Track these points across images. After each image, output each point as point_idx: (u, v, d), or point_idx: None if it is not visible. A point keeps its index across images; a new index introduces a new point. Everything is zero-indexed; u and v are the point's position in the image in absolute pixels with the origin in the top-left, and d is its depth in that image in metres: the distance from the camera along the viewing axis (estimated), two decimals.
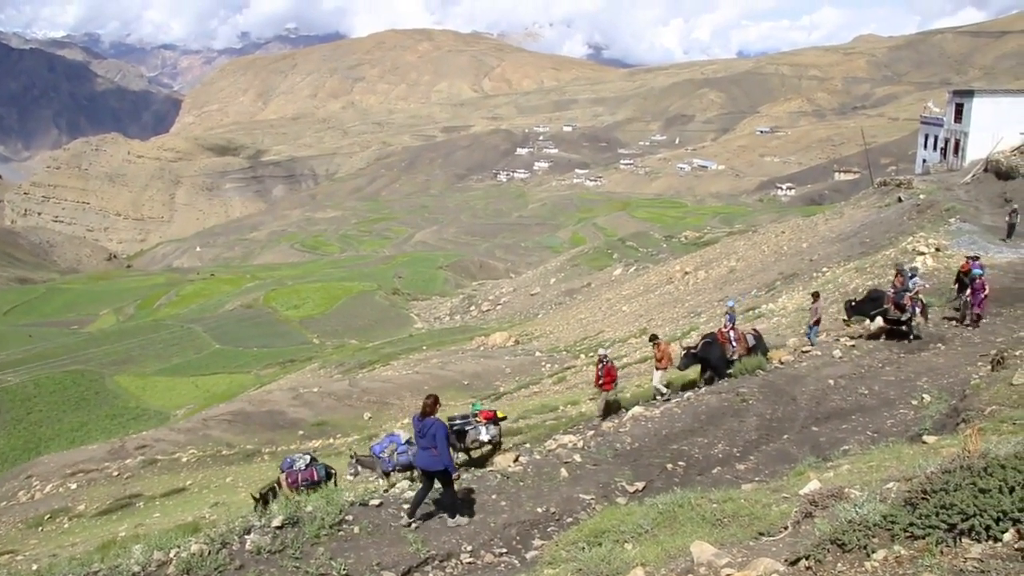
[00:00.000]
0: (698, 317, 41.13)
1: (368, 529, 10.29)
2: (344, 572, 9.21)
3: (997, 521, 4.69)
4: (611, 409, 18.74)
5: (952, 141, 55.66)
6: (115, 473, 32.82)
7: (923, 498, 5.15)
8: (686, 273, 58.58)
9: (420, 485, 11.42)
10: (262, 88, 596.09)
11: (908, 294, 19.59)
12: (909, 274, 20.71)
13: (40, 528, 26.01)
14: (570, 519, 11.32)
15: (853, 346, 19.71)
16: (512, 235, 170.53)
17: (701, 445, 14.40)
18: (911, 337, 19.57)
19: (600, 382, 18.85)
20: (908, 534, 4.96)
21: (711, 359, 18.58)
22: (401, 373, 47.76)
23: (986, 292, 20.49)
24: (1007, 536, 4.59)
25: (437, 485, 11.18)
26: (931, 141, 60.29)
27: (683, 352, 18.91)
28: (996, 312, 22.00)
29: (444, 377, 43.28)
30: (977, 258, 22.64)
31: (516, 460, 13.57)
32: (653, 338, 19.85)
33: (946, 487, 5.11)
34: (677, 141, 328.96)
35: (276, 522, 9.92)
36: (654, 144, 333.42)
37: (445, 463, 10.81)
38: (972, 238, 33.72)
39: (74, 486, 32.01)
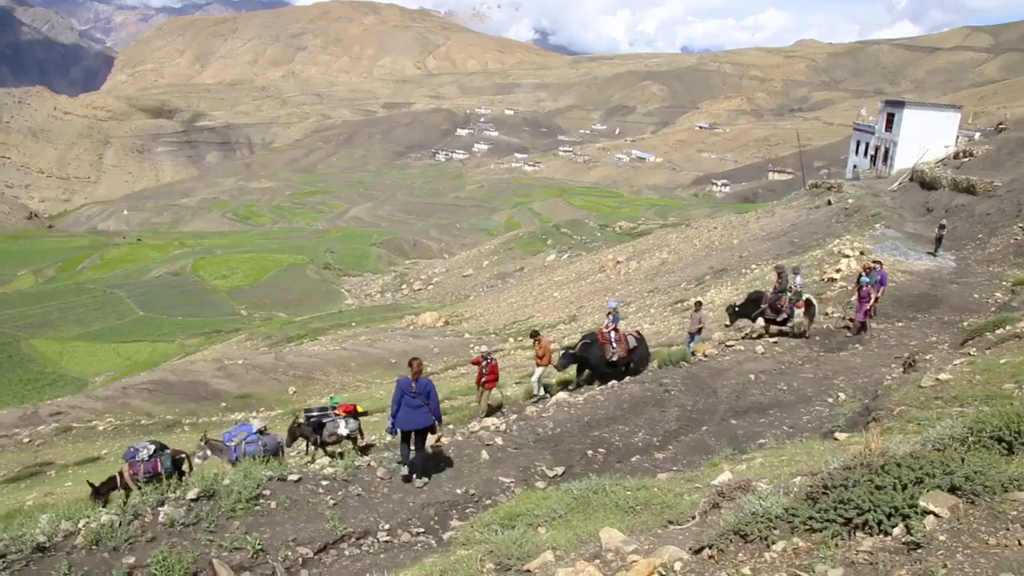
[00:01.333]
0: (628, 306, 41.65)
1: (285, 504, 10.22)
2: (259, 547, 9.13)
3: (888, 516, 4.89)
4: (494, 409, 18.42)
5: (882, 149, 57.32)
6: (26, 440, 31.83)
7: (824, 493, 5.35)
8: (618, 263, 59.23)
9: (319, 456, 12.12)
10: (200, 51, 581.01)
11: (785, 296, 19.78)
12: (790, 274, 20.64)
13: None
14: (489, 501, 11.41)
15: (775, 343, 20.20)
16: (448, 216, 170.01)
17: (622, 433, 14.62)
18: (792, 335, 19.93)
19: (483, 380, 18.24)
20: (807, 527, 5.15)
21: (590, 359, 18.24)
22: (328, 349, 47.31)
23: (872, 301, 20.59)
24: (896, 531, 4.80)
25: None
26: (863, 148, 61.97)
27: (562, 351, 18.55)
28: (912, 316, 22.80)
29: (372, 355, 43.04)
30: (879, 263, 22.60)
31: (438, 440, 13.60)
32: (534, 334, 19.47)
33: (845, 483, 5.31)
34: (617, 131, 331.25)
35: (191, 494, 9.77)
36: (594, 133, 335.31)
37: (432, 419, 11.99)
38: (895, 244, 34.79)
39: None
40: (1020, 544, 4.53)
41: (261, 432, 14.96)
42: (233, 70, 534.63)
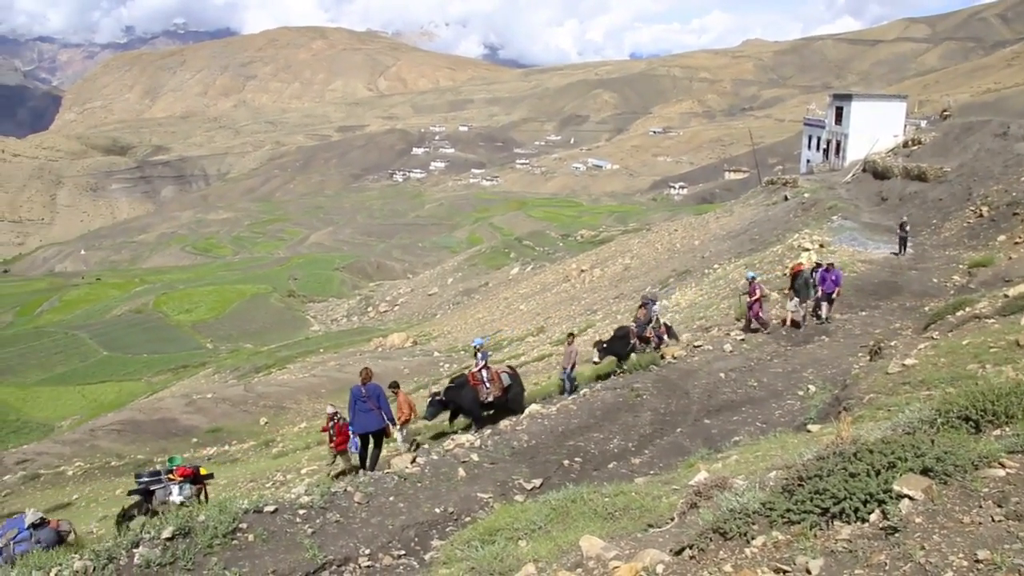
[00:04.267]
0: (594, 314, 41.79)
1: (263, 536, 10.07)
2: None
3: (864, 503, 4.94)
4: (347, 472, 16.28)
5: (834, 142, 58.16)
6: None
7: (799, 484, 5.38)
8: (582, 271, 59.45)
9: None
10: (149, 85, 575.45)
11: (650, 326, 19.31)
12: (652, 303, 19.97)
13: None
14: (468, 518, 11.34)
15: (743, 340, 20.37)
16: (409, 235, 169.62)
17: (597, 440, 14.63)
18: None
19: (332, 443, 17.12)
20: (785, 519, 5.18)
21: (463, 404, 17.02)
22: (298, 376, 46.93)
23: (756, 297, 20.71)
24: (873, 517, 4.84)
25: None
26: (814, 142, 62.83)
27: (428, 399, 17.42)
28: (874, 305, 23.13)
29: (342, 379, 42.71)
30: (820, 265, 22.09)
31: (413, 461, 13.49)
32: (393, 385, 17.17)
33: (820, 473, 5.35)
34: (572, 141, 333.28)
35: (166, 533, 9.60)
36: (549, 144, 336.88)
37: (385, 421, 13.80)
38: (853, 234, 35.33)
39: None
40: (993, 520, 4.59)
41: (36, 525, 12.46)
42: (184, 103, 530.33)
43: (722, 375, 17.68)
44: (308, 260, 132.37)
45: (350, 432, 15.06)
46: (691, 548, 5.27)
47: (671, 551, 5.43)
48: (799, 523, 5.08)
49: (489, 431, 15.43)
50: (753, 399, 16.19)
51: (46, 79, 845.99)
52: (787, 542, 4.97)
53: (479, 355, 17.69)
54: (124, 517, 14.54)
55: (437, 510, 11.57)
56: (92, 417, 52.98)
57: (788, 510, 5.21)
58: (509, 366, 19.01)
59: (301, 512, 10.88)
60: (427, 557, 10.11)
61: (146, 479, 14.52)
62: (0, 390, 68.71)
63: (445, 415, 17.84)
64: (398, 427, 16.22)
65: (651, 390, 16.97)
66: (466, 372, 18.02)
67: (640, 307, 19.77)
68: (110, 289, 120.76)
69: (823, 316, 21.40)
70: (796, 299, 21.04)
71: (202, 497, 14.72)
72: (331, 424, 17.28)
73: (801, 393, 15.91)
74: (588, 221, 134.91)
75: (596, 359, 19.36)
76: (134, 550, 9.29)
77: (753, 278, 21.01)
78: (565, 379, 18.93)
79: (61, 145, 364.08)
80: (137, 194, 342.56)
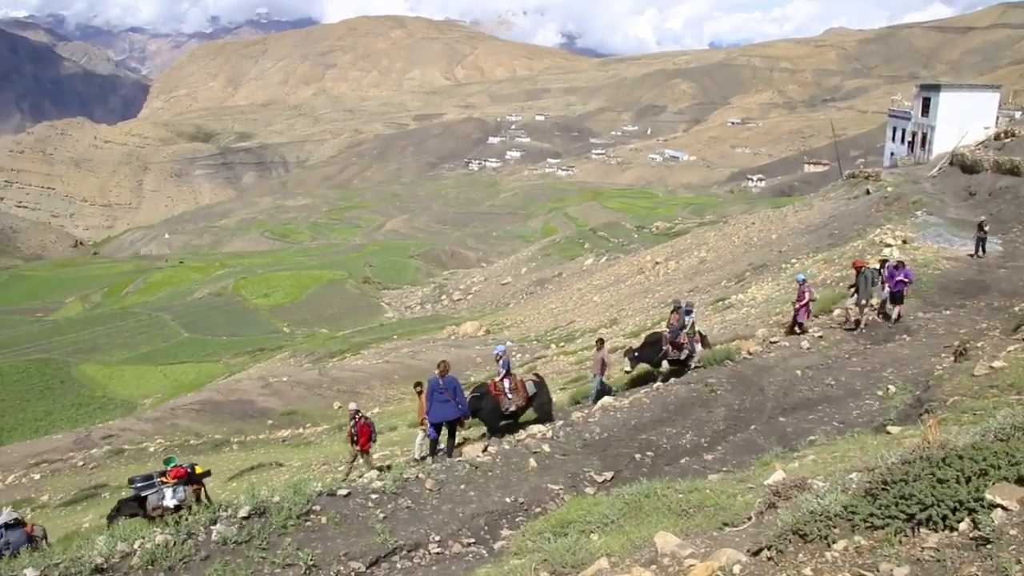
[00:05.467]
0: (668, 307, 41.35)
1: (336, 519, 10.25)
2: (311, 563, 9.17)
3: (953, 511, 4.76)
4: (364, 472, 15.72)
5: (919, 135, 56.35)
6: (80, 463, 32.43)
7: (883, 488, 5.22)
8: (657, 263, 58.91)
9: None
10: (232, 73, 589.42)
11: (683, 331, 18.37)
12: (685, 310, 18.92)
13: None
14: (538, 509, 11.36)
15: (821, 337, 19.90)
16: (483, 224, 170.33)
17: (669, 435, 14.50)
18: (690, 369, 18.40)
19: (355, 443, 16.78)
20: (868, 524, 5.03)
21: (481, 415, 16.11)
22: (371, 362, 47.62)
23: (804, 302, 20.20)
24: (962, 526, 4.66)
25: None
26: (899, 134, 60.97)
27: None
28: (960, 304, 22.32)
29: (415, 366, 43.20)
30: (886, 261, 21.48)
31: (485, 450, 13.58)
32: (417, 385, 17.05)
33: (906, 477, 5.18)
34: (649, 132, 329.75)
35: (243, 512, 9.85)
36: (626, 134, 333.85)
37: (460, 411, 14.59)
38: (938, 230, 34.14)
39: (38, 476, 31.61)
40: None
41: (9, 526, 12.47)
42: (265, 91, 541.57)
43: (798, 372, 17.32)
44: (384, 247, 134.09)
45: (426, 421, 15.14)
46: (769, 549, 5.16)
47: (748, 551, 5.33)
48: (883, 528, 4.93)
49: (561, 422, 15.41)
50: (830, 398, 15.82)
51: (136, 68, 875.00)
52: (870, 548, 4.83)
53: (500, 363, 16.48)
54: (113, 519, 14.10)
55: (507, 500, 11.61)
56: (172, 396, 54.76)
57: (871, 515, 5.06)
58: (536, 374, 18.21)
59: (373, 497, 11.04)
60: (496, 546, 10.15)
61: (139, 484, 14.22)
62: (88, 367, 71.41)
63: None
64: (427, 425, 15.89)
65: (725, 385, 16.73)
66: (488, 381, 17.05)
67: (673, 312, 18.86)
68: (192, 272, 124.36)
69: (892, 316, 20.53)
70: (856, 296, 20.47)
71: (201, 497, 14.51)
72: (352, 423, 16.85)
73: (880, 393, 15.48)
74: (663, 213, 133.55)
75: (628, 368, 18.68)
76: (212, 527, 9.56)
77: (803, 280, 20.57)
78: (595, 385, 18.41)
79: (148, 132, 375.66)
80: (219, 180, 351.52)
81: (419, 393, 16.52)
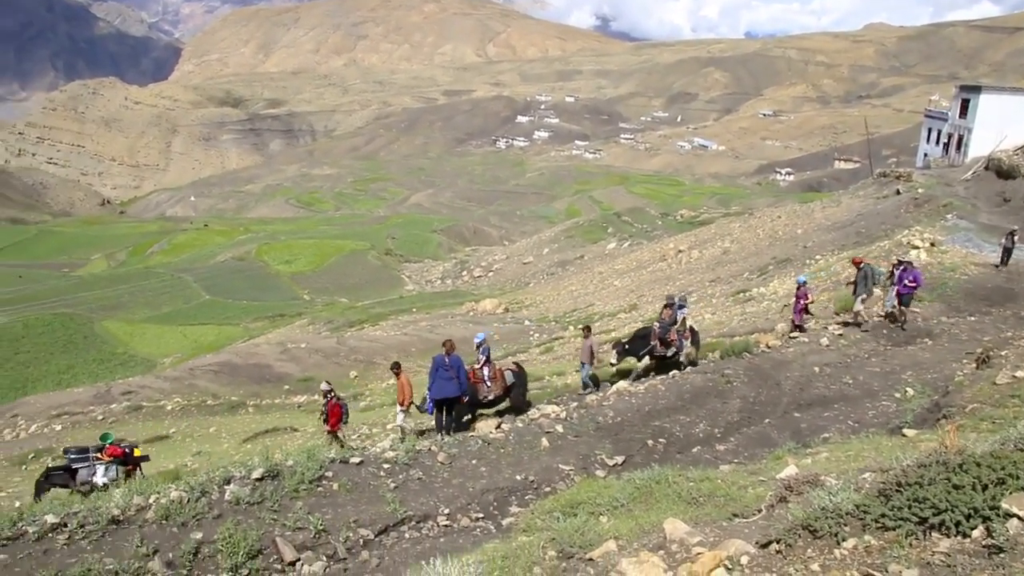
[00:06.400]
0: (689, 296, 41.22)
1: (347, 486, 10.35)
2: (321, 527, 9.28)
3: (968, 517, 4.73)
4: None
5: (955, 136, 55.58)
6: (100, 417, 32.89)
7: (897, 490, 5.20)
8: (679, 251, 58.64)
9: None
10: (264, 40, 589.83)
11: (674, 327, 18.14)
12: (678, 305, 18.71)
13: (24, 467, 26.06)
14: (548, 488, 11.42)
15: (840, 335, 19.77)
16: (508, 203, 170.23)
17: (683, 423, 14.50)
18: (681, 367, 18.14)
19: (325, 420, 16.65)
20: (879, 525, 5.01)
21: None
22: (389, 334, 47.80)
23: (804, 303, 20.18)
24: (976, 533, 4.64)
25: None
26: (934, 135, 60.20)
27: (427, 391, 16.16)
28: (985, 311, 22.08)
29: (432, 340, 43.29)
30: (903, 263, 20.92)
31: (498, 427, 13.65)
32: (395, 366, 16.74)
33: (920, 481, 5.16)
34: (679, 119, 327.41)
35: (256, 474, 9.97)
36: (655, 120, 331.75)
37: (461, 389, 14.69)
38: (968, 235, 33.77)
39: (59, 427, 32.10)
40: None
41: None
42: (296, 59, 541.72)
43: (816, 369, 17.24)
44: (407, 220, 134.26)
45: (427, 398, 14.97)
46: (778, 543, 5.16)
47: (757, 543, 5.33)
48: (894, 530, 4.91)
49: (575, 404, 15.43)
50: (846, 396, 15.76)
51: (169, 31, 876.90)
52: (880, 548, 4.82)
53: (481, 350, 16.27)
54: (41, 487, 14.00)
55: (518, 477, 11.68)
56: (192, 357, 55.23)
57: (883, 515, 5.04)
58: (516, 363, 17.73)
59: (385, 466, 11.14)
60: (505, 522, 10.23)
61: (73, 455, 14.09)
62: (110, 324, 72.16)
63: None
64: (404, 409, 16.21)
65: (742, 377, 16.68)
66: (467, 368, 16.53)
67: (665, 307, 18.59)
68: (216, 236, 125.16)
69: (900, 319, 20.21)
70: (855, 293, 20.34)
71: (137, 478, 14.15)
72: (324, 402, 16.59)
73: (898, 395, 15.39)
74: (689, 201, 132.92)
75: (614, 360, 18.36)
76: (225, 486, 9.69)
77: (803, 283, 20.47)
78: (582, 373, 18.33)
79: (179, 95, 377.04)
80: (246, 145, 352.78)
81: (397, 374, 16.39)
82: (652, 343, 17.91)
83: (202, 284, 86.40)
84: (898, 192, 47.14)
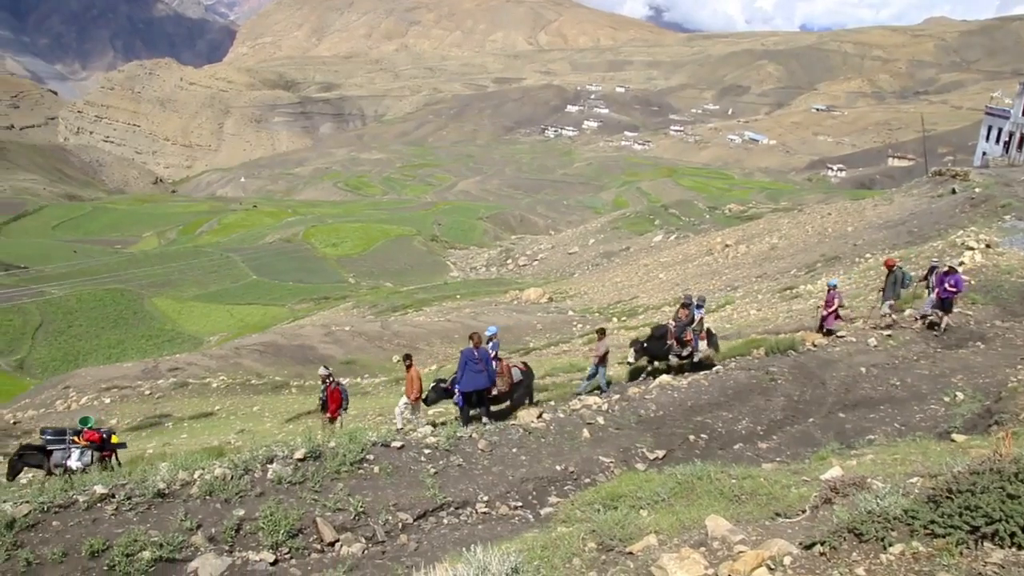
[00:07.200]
0: (735, 291, 40.81)
1: (388, 470, 10.42)
2: (361, 509, 9.36)
3: (1023, 529, 4.61)
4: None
5: (1017, 135, 54.21)
6: (147, 392, 33.57)
7: (947, 497, 5.08)
8: (727, 246, 58.01)
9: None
10: (317, 24, 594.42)
11: (690, 328, 17.81)
12: (696, 305, 18.40)
13: None
14: (588, 480, 11.39)
15: (889, 336, 19.40)
16: (555, 192, 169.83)
17: (725, 420, 14.36)
18: (692, 366, 17.82)
19: (324, 407, 16.52)
20: (928, 531, 4.90)
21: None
22: (433, 320, 48.05)
23: (834, 308, 19.61)
24: None
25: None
26: (994, 133, 58.75)
27: (433, 384, 16.33)
28: None
29: (474, 327, 43.27)
30: (936, 267, 20.45)
31: (540, 416, 13.62)
32: (406, 357, 17.10)
33: (972, 488, 5.03)
34: (730, 112, 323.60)
35: (298, 454, 10.08)
36: (706, 113, 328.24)
37: (490, 380, 15.01)
38: None
39: (108, 400, 32.84)
40: None
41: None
42: (348, 43, 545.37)
43: (863, 369, 16.93)
44: (454, 207, 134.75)
45: (455, 390, 15.09)
46: (823, 544, 5.08)
47: (800, 544, 5.25)
48: (944, 537, 4.80)
49: (617, 396, 15.36)
50: (893, 398, 15.45)
51: (224, 13, 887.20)
52: (928, 555, 4.71)
53: (491, 344, 16.18)
54: (15, 466, 13.91)
55: (558, 467, 11.66)
56: (238, 336, 56.14)
57: (932, 522, 4.93)
58: (523, 362, 17.58)
59: (426, 452, 11.19)
60: (543, 512, 10.22)
61: (49, 437, 13.92)
62: (160, 301, 73.61)
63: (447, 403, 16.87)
64: (410, 403, 16.36)
65: (786, 375, 16.45)
66: None
67: (682, 307, 18.34)
68: (264, 217, 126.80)
69: (940, 326, 19.36)
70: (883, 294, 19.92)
71: (110, 466, 14.06)
72: (323, 388, 16.42)
73: (947, 399, 15.03)
74: (738, 195, 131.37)
75: (631, 359, 18.16)
76: (268, 465, 9.81)
77: (834, 286, 20.10)
78: (598, 376, 17.91)
79: (232, 77, 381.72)
80: (297, 128, 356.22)
81: (408, 367, 16.44)
82: (669, 342, 17.77)
83: (250, 264, 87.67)
84: (954, 191, 46.07)
